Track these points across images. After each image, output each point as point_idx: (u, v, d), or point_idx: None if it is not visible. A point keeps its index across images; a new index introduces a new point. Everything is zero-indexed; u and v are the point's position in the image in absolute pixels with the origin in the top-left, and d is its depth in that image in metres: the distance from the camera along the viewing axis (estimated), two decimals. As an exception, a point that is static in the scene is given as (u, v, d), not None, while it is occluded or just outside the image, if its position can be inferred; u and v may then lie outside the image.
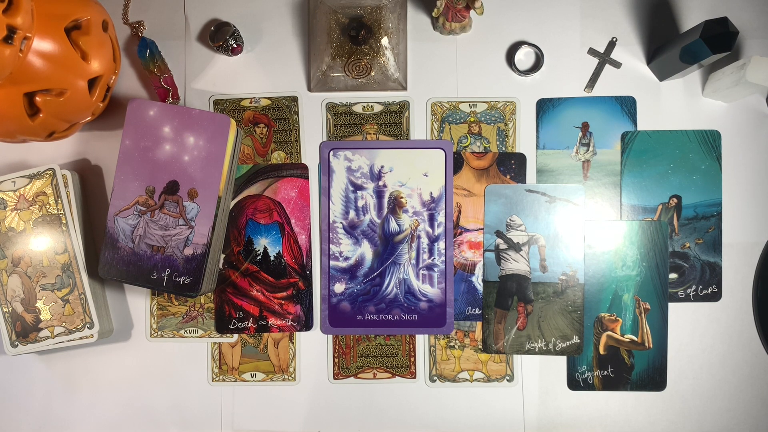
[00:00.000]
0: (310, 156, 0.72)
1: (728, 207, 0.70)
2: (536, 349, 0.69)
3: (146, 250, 0.64)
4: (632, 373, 0.70)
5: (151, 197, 0.64)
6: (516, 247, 0.70)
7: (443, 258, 0.70)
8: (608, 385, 0.70)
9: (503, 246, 0.70)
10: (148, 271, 0.64)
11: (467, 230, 0.71)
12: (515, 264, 0.70)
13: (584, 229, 0.70)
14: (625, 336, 0.70)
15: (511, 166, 0.71)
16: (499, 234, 0.70)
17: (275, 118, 0.72)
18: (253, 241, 0.71)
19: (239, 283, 0.71)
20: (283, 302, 0.71)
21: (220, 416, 0.71)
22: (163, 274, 0.64)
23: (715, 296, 0.70)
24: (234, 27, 0.70)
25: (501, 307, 0.70)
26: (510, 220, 0.70)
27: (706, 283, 0.70)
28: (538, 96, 0.71)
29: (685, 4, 0.71)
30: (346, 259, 0.71)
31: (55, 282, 0.67)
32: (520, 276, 0.70)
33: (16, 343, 0.67)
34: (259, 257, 0.71)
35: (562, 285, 0.69)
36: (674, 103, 0.71)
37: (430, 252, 0.70)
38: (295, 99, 0.72)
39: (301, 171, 0.72)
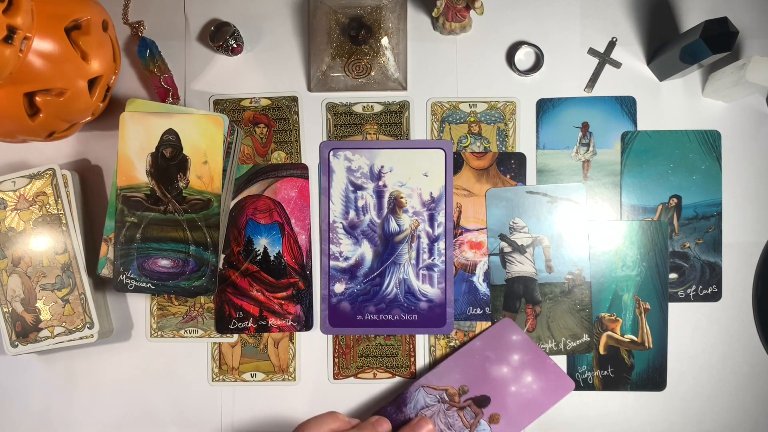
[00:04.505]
0: (310, 156, 0.72)
1: (728, 207, 0.70)
2: (547, 350, 0.69)
3: None
4: (632, 373, 0.70)
5: (459, 395, 0.65)
6: (520, 250, 0.70)
7: (443, 258, 0.70)
8: (608, 385, 0.70)
9: (508, 249, 0.70)
10: None
11: (467, 230, 0.71)
12: (521, 266, 0.70)
13: (587, 227, 0.70)
14: (625, 336, 0.70)
15: (511, 166, 0.71)
16: (502, 237, 0.70)
17: (275, 118, 0.72)
18: (253, 241, 0.71)
19: (239, 283, 0.71)
20: (283, 302, 0.71)
21: (220, 416, 0.71)
22: None
23: (715, 296, 0.70)
24: (234, 27, 0.70)
25: (509, 310, 0.70)
26: (513, 222, 0.70)
27: (706, 283, 0.70)
28: (538, 96, 0.71)
29: (685, 4, 0.71)
30: (346, 259, 0.71)
31: (55, 282, 0.67)
32: (527, 278, 0.70)
33: (16, 343, 0.67)
34: (259, 257, 0.71)
35: (569, 284, 0.69)
36: (674, 103, 0.71)
37: (430, 252, 0.70)
38: (295, 99, 0.72)
39: (301, 171, 0.72)
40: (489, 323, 0.70)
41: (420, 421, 0.61)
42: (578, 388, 0.70)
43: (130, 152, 0.66)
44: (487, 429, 0.64)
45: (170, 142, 0.66)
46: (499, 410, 0.64)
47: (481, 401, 0.64)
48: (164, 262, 0.66)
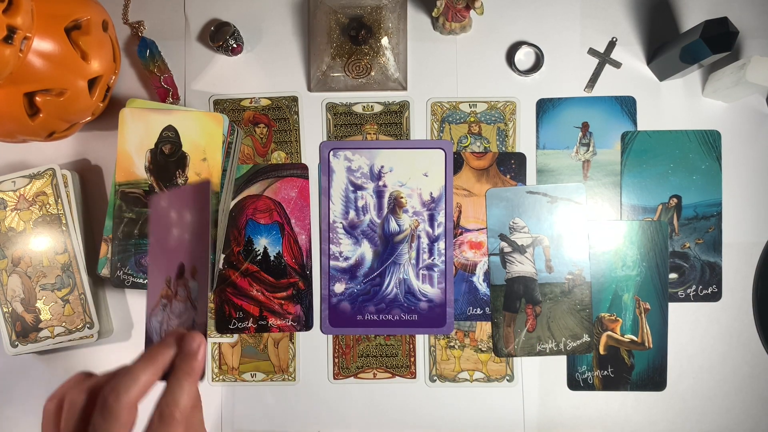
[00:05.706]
0: (310, 156, 0.72)
1: (728, 207, 0.70)
2: (547, 350, 0.69)
3: None
4: (632, 373, 0.70)
5: (169, 287, 0.56)
6: (520, 250, 0.70)
7: (443, 258, 0.70)
8: (608, 385, 0.70)
9: (508, 249, 0.70)
10: None
11: (467, 230, 0.71)
12: (521, 266, 0.70)
13: (588, 227, 0.70)
14: (625, 336, 0.70)
15: (511, 166, 0.71)
16: (502, 237, 0.70)
17: (275, 118, 0.72)
18: (253, 241, 0.71)
19: (239, 283, 0.71)
20: (283, 302, 0.71)
21: (220, 416, 0.71)
22: None
23: (715, 296, 0.70)
24: (234, 27, 0.70)
25: (509, 310, 0.70)
26: (513, 222, 0.70)
27: (706, 283, 0.70)
28: (538, 96, 0.71)
29: (685, 4, 0.71)
30: (346, 259, 0.71)
31: (55, 282, 0.67)
32: (527, 278, 0.70)
33: (16, 343, 0.67)
34: (259, 257, 0.71)
35: (569, 284, 0.69)
36: (674, 103, 0.71)
37: (430, 252, 0.70)
38: (295, 99, 0.72)
39: (301, 171, 0.72)
40: (489, 323, 0.70)
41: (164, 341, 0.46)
42: (578, 388, 0.70)
43: (129, 148, 0.66)
44: (195, 284, 0.53)
45: (169, 138, 0.66)
46: (190, 262, 0.54)
47: (181, 271, 0.54)
48: (164, 262, 0.66)
